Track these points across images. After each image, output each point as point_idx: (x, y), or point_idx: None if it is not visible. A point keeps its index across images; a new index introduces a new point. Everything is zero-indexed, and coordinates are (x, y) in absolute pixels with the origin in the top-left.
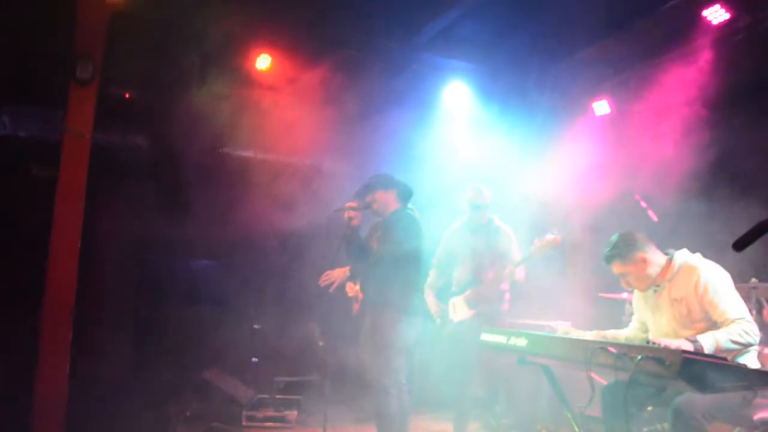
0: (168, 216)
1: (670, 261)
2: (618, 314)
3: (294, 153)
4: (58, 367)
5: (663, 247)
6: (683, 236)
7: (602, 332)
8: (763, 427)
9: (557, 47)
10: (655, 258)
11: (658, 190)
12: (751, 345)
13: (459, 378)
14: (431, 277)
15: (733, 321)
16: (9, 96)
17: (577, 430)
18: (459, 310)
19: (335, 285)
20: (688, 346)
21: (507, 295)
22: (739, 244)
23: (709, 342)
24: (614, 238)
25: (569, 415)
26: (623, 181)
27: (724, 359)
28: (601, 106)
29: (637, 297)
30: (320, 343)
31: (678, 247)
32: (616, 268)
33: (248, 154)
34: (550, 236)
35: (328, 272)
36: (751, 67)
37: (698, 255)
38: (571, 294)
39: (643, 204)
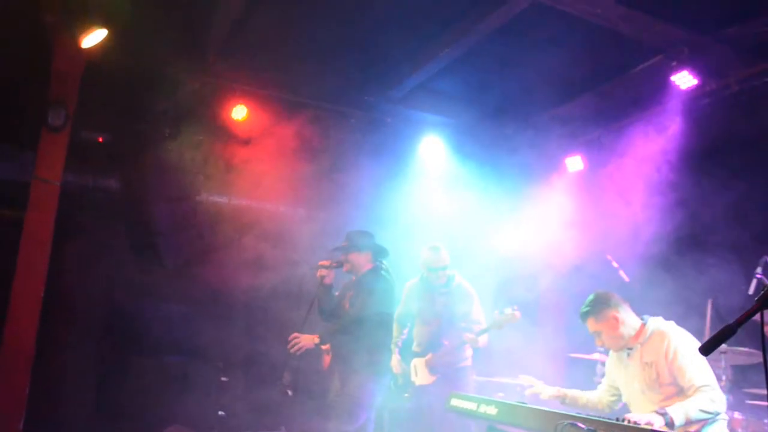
0: (138, 260)
1: (644, 325)
2: (589, 375)
3: (268, 201)
4: (13, 416)
5: (634, 307)
6: (653, 298)
7: (563, 390)
8: None
9: (532, 103)
10: (628, 319)
11: (628, 251)
12: (718, 413)
13: None
14: (393, 334)
15: (698, 388)
16: None
17: None
18: (420, 374)
19: (302, 350)
20: (659, 420)
21: (469, 351)
22: (706, 349)
23: (678, 414)
24: (591, 296)
25: None
26: (595, 240)
27: None
28: (575, 163)
29: (611, 358)
30: (289, 392)
31: (648, 309)
32: (590, 325)
33: (222, 200)
34: (509, 310)
35: (297, 336)
36: (718, 130)
37: (672, 323)
38: (540, 353)
39: (615, 264)
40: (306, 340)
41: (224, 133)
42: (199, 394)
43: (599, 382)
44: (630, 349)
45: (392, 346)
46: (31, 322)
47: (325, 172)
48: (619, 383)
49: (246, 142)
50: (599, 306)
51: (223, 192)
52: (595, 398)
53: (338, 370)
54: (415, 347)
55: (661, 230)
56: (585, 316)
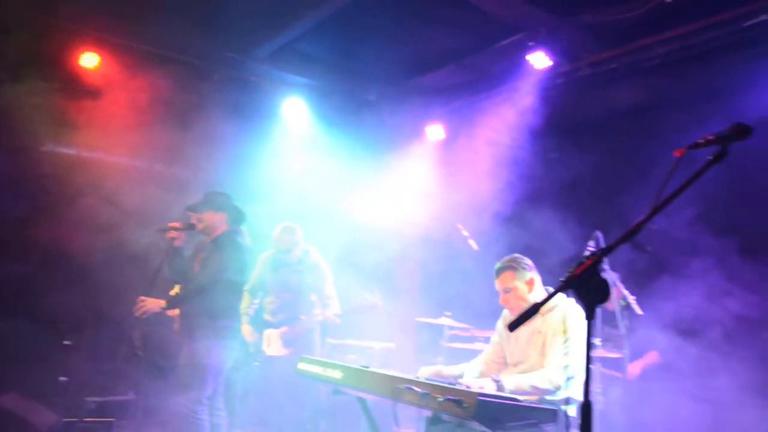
0: None
1: (547, 298)
2: (436, 338)
3: (122, 154)
4: None
5: (481, 276)
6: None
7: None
8: None
9: (396, 71)
10: (539, 288)
11: (478, 221)
12: (549, 392)
13: (277, 402)
14: (244, 302)
15: (546, 365)
16: None
17: None
18: (274, 345)
19: (147, 314)
20: (492, 386)
21: (318, 311)
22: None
23: (510, 383)
24: (512, 255)
25: None
26: (448, 208)
27: (516, 400)
28: (435, 132)
29: (503, 321)
30: (140, 353)
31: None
32: (505, 280)
33: (71, 152)
34: (373, 297)
35: (143, 299)
36: (568, 110)
37: (572, 301)
38: (390, 317)
39: (465, 233)
40: (151, 304)
41: (73, 82)
42: (39, 359)
43: (446, 345)
44: None
45: (243, 316)
46: None
47: (184, 128)
48: (509, 345)
49: (97, 91)
50: (522, 264)
51: (71, 144)
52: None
53: (187, 335)
54: (266, 316)
55: (509, 202)
56: (504, 270)
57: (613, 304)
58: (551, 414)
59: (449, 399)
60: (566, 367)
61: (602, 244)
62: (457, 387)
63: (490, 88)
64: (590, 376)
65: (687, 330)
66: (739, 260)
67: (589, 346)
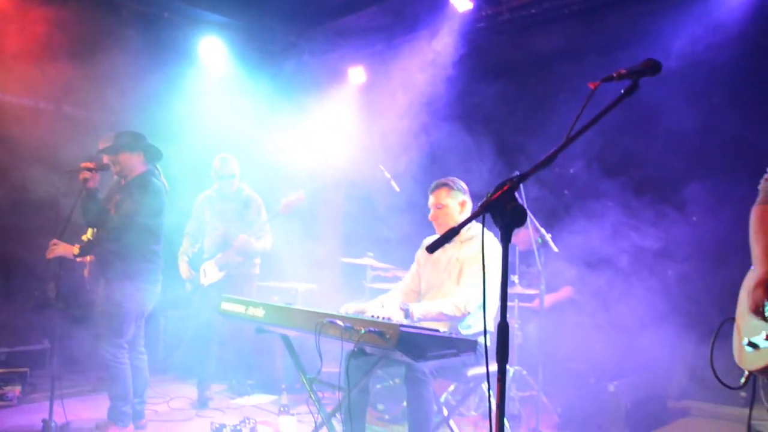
0: None
1: (468, 226)
2: (360, 278)
3: (20, 93)
4: None
5: (402, 217)
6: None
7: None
8: (473, 381)
9: (318, 12)
10: (466, 213)
11: (399, 162)
12: (457, 319)
13: (204, 341)
14: (184, 245)
15: (459, 291)
16: None
17: (311, 393)
18: (209, 273)
19: (53, 254)
20: (400, 315)
21: (257, 259)
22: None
23: (419, 310)
24: (449, 177)
25: (304, 380)
26: (370, 150)
27: (437, 330)
28: (357, 74)
29: (423, 249)
30: (54, 303)
31: (415, 217)
32: (439, 196)
33: None
34: (293, 194)
35: (55, 242)
36: (488, 53)
37: (492, 234)
38: (317, 258)
39: (387, 175)
40: (64, 249)
41: None
42: None
43: (369, 286)
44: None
45: (182, 256)
46: None
47: (90, 66)
48: (425, 273)
49: None
50: (458, 185)
51: None
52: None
53: (104, 279)
54: (204, 255)
55: (428, 143)
56: (440, 186)
57: (530, 241)
58: (471, 344)
59: (371, 331)
60: (475, 294)
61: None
62: (378, 320)
63: (412, 31)
64: (506, 300)
65: (595, 264)
66: (635, 199)
67: (506, 271)
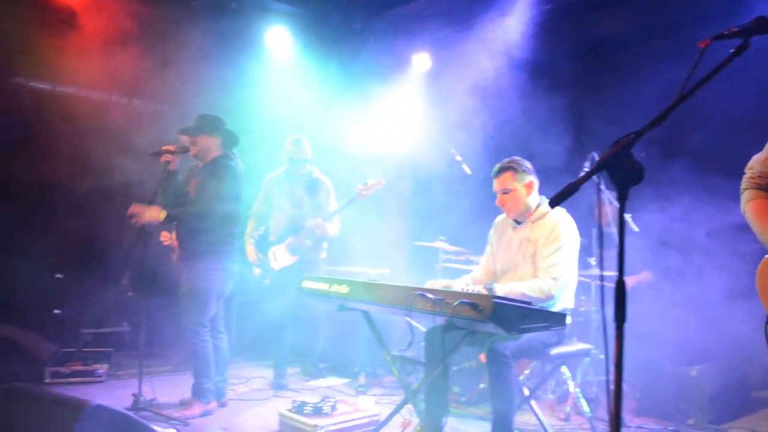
0: None
1: (538, 205)
2: (432, 261)
3: (97, 90)
4: None
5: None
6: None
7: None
8: (558, 360)
9: None
10: (536, 193)
11: (468, 146)
12: (540, 301)
13: (278, 324)
14: (249, 227)
15: (540, 274)
16: None
17: (395, 370)
18: (280, 257)
19: (141, 221)
20: (483, 293)
21: (325, 244)
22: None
23: (503, 290)
24: (511, 157)
25: (387, 358)
26: (440, 135)
27: (529, 304)
28: (422, 60)
29: (494, 232)
30: (130, 293)
31: (488, 203)
32: (505, 181)
33: (45, 87)
34: (372, 180)
35: (137, 206)
36: (556, 37)
37: (563, 210)
38: (386, 243)
39: (458, 158)
40: (151, 215)
41: (46, 8)
42: (32, 293)
43: (442, 267)
44: (519, 223)
45: (248, 239)
46: None
47: (163, 59)
48: (499, 255)
49: (71, 19)
50: (523, 166)
51: (45, 77)
52: (478, 275)
53: (185, 261)
54: (271, 238)
55: (497, 128)
56: (504, 170)
57: (610, 222)
58: (561, 318)
59: (464, 302)
60: (558, 277)
61: None
62: (470, 291)
63: (477, 15)
64: (623, 256)
65: (672, 244)
66: (712, 174)
67: (622, 226)
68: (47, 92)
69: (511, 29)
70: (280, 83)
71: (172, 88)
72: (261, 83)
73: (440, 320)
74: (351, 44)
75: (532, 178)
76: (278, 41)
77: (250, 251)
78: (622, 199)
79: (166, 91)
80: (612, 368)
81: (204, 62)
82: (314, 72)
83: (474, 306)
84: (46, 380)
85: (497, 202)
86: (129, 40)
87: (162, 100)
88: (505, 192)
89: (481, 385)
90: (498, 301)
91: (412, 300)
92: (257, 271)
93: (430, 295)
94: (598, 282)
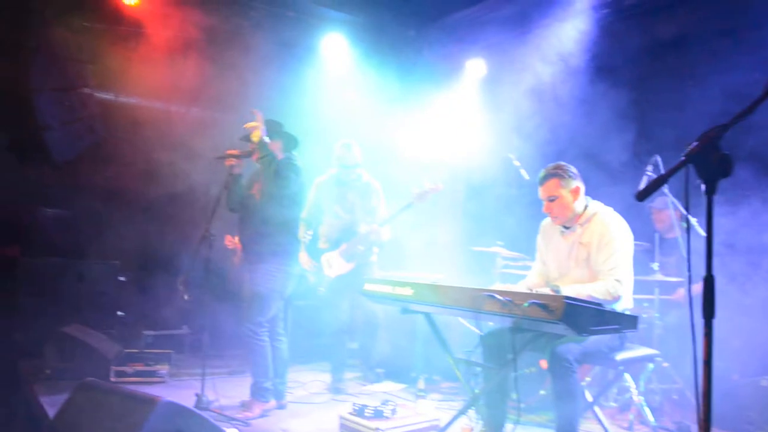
0: (22, 160)
1: (586, 207)
2: (489, 267)
3: (159, 99)
4: None
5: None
6: None
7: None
8: (622, 366)
9: (436, 5)
10: (582, 197)
11: (523, 151)
12: (608, 303)
13: (336, 330)
14: (300, 231)
15: (604, 276)
16: None
17: (458, 374)
18: (335, 264)
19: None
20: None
21: (375, 248)
22: (641, 195)
23: (569, 293)
24: (556, 163)
25: (450, 361)
26: (496, 139)
27: (600, 305)
28: (477, 66)
29: (542, 237)
30: (185, 297)
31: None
32: (550, 188)
33: (110, 97)
34: (428, 184)
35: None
36: (613, 41)
37: (611, 209)
38: (439, 248)
39: (516, 163)
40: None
41: (115, 20)
42: (97, 295)
43: (500, 273)
44: (567, 228)
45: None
46: None
47: (222, 68)
48: (549, 260)
49: (137, 30)
50: (568, 172)
51: (112, 86)
52: (535, 279)
53: (248, 263)
54: (322, 244)
55: (550, 134)
56: (549, 177)
57: (672, 223)
58: (632, 321)
59: (535, 303)
60: (621, 279)
61: (661, 169)
62: (539, 292)
63: (533, 20)
64: (711, 251)
65: (738, 251)
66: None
67: (710, 224)
68: (112, 102)
69: (568, 33)
70: (335, 90)
71: (231, 96)
72: (317, 90)
73: (499, 323)
74: (405, 51)
75: (578, 183)
76: (334, 48)
77: (304, 258)
78: (709, 192)
79: (226, 98)
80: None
81: (262, 70)
82: (369, 78)
83: (544, 307)
84: (112, 378)
85: (544, 209)
86: (191, 50)
87: (221, 108)
88: (551, 199)
89: (541, 392)
90: (570, 301)
91: (481, 301)
92: (311, 278)
93: (498, 297)
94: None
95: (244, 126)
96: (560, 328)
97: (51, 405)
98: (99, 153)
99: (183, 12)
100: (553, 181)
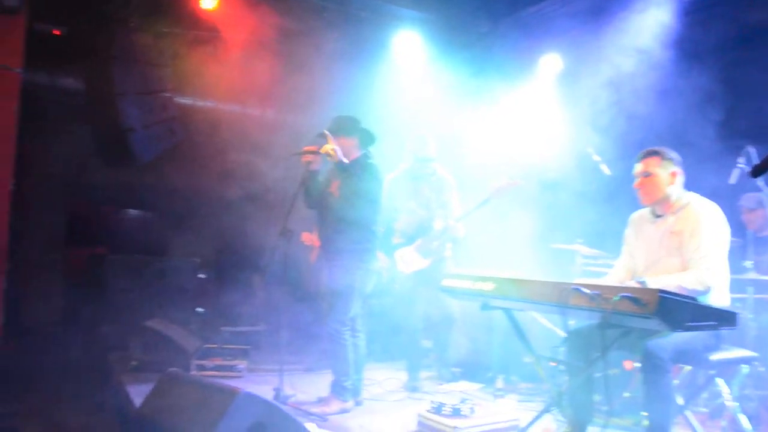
0: (106, 160)
1: (680, 197)
2: (568, 264)
3: (237, 101)
4: None
5: (614, 202)
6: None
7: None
8: (716, 367)
9: (507, 1)
10: (679, 185)
11: (608, 145)
12: (698, 293)
13: (411, 328)
14: (377, 228)
15: (693, 266)
16: None
17: (540, 371)
18: (411, 260)
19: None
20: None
21: (449, 244)
22: (756, 171)
23: (657, 285)
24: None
25: (533, 358)
26: (572, 135)
27: (694, 299)
28: (552, 61)
29: (631, 228)
30: (262, 295)
31: (627, 204)
32: (649, 163)
33: (189, 100)
34: (505, 179)
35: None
36: (697, 29)
37: (707, 200)
38: (513, 245)
39: (596, 158)
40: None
41: (193, 24)
42: (176, 291)
43: (579, 271)
44: (659, 216)
45: None
46: (2, 219)
47: (296, 69)
48: (638, 251)
49: (214, 34)
50: (671, 155)
51: (190, 89)
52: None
53: (328, 259)
54: (396, 240)
55: (631, 129)
56: (652, 154)
57: (763, 226)
58: (731, 317)
59: (626, 297)
60: (711, 267)
61: (754, 159)
62: (630, 286)
63: (612, 12)
64: None
65: None
66: None
67: None
68: (191, 106)
69: (649, 23)
70: (408, 87)
71: (305, 96)
72: (389, 88)
73: (585, 319)
74: (478, 47)
75: (678, 170)
76: (407, 46)
77: (379, 255)
78: None
79: (300, 99)
80: None
81: (335, 69)
82: (441, 75)
83: (636, 300)
84: (192, 372)
85: (635, 185)
86: (266, 52)
87: (296, 109)
88: (646, 175)
89: (626, 394)
90: (664, 294)
91: (567, 295)
92: (385, 274)
93: (586, 290)
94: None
95: (320, 151)
96: (653, 323)
97: (137, 395)
98: (178, 154)
99: (258, 14)
100: (654, 159)
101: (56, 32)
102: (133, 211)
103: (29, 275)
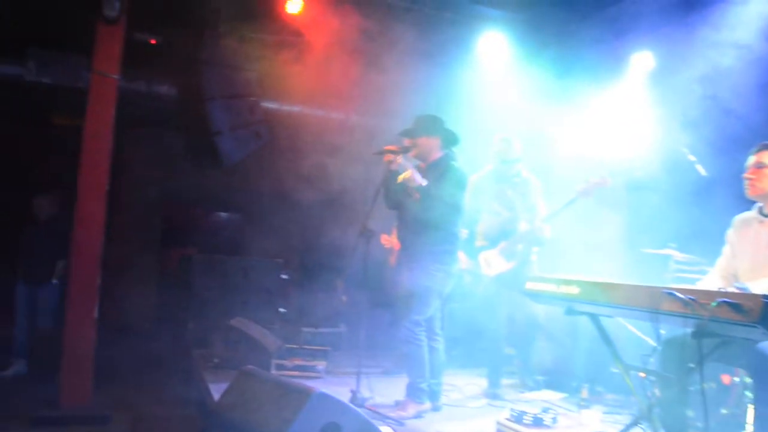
0: (195, 163)
1: None
2: (660, 270)
3: (320, 106)
4: (86, 313)
5: (712, 201)
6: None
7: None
8: None
9: None
10: None
11: (702, 146)
12: None
13: (493, 333)
14: (459, 231)
15: None
16: (34, 39)
17: (629, 382)
18: (494, 263)
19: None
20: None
21: (535, 248)
22: None
23: (761, 290)
24: None
25: (621, 367)
26: (664, 135)
27: None
28: (644, 59)
29: (735, 228)
30: (344, 299)
31: (726, 205)
32: (763, 156)
33: (273, 106)
34: (595, 178)
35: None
36: None
37: None
38: (599, 249)
39: (691, 157)
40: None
41: (278, 29)
42: (260, 291)
43: (672, 277)
44: (766, 216)
45: None
46: (99, 220)
47: (379, 72)
48: (742, 254)
49: (299, 38)
50: None
51: (276, 94)
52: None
53: (407, 260)
54: (479, 242)
55: (728, 128)
56: None
57: None
58: None
59: (725, 302)
60: None
61: None
62: (731, 291)
63: (705, 7)
64: None
65: None
66: None
67: None
68: (276, 109)
69: (752, 16)
70: (493, 88)
71: (387, 99)
72: (474, 88)
73: (679, 326)
74: (565, 47)
75: None
76: (492, 46)
77: (461, 257)
78: None
79: (382, 103)
80: None
81: (419, 72)
82: (528, 75)
83: (737, 307)
84: (272, 371)
85: (747, 174)
86: (349, 55)
87: (378, 113)
88: (759, 166)
89: (723, 411)
90: None
91: (658, 300)
92: (467, 278)
93: (680, 294)
94: None
95: (385, 147)
96: (757, 333)
97: (217, 391)
98: (263, 157)
99: (341, 17)
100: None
101: (152, 41)
102: (222, 215)
103: (126, 274)
